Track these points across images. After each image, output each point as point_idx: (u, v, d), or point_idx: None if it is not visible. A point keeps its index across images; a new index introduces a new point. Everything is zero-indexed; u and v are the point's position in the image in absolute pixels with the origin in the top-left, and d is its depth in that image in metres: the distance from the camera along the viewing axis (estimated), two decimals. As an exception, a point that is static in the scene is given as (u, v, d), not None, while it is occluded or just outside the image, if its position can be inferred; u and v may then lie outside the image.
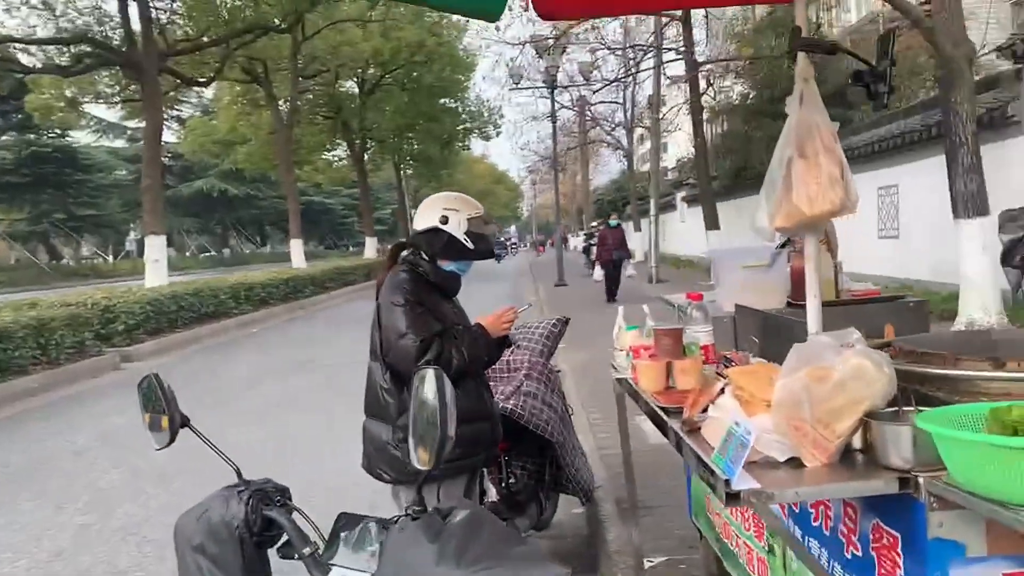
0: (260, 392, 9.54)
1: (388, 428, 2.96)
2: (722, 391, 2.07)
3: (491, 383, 3.59)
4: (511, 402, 4.05)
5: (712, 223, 19.80)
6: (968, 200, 9.15)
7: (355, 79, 33.58)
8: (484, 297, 3.21)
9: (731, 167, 22.76)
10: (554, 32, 23.87)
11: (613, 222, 18.66)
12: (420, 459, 1.34)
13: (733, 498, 1.59)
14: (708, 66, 23.06)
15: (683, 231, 31.03)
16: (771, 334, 2.74)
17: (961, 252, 9.27)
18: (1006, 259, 7.87)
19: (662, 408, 2.31)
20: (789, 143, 2.22)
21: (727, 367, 2.12)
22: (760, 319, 2.89)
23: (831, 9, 22.31)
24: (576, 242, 58.34)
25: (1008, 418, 1.46)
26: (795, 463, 1.74)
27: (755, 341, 2.62)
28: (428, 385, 1.28)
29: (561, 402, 4.40)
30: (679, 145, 37.43)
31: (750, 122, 22.64)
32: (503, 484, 4.23)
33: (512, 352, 4.28)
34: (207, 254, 59.91)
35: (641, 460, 4.53)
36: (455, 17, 33.50)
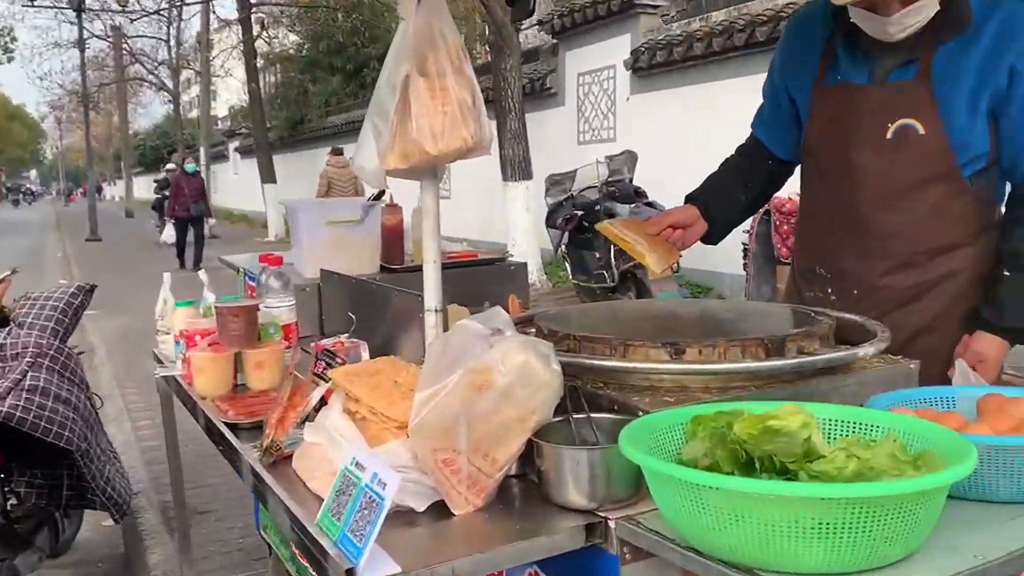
0: None
1: None
2: (323, 401, 1.45)
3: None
4: (8, 403, 2.94)
5: (268, 176, 18.88)
6: (515, 164, 9.70)
7: None
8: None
9: (288, 118, 21.88)
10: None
11: (190, 167, 15.37)
12: None
13: (361, 594, 0.99)
14: (262, 9, 21.73)
15: (237, 184, 29.31)
16: (369, 308, 2.17)
17: (508, 213, 9.81)
18: (549, 220, 8.40)
19: (229, 426, 1.61)
20: (404, 57, 1.64)
21: (329, 365, 1.50)
22: (353, 288, 2.31)
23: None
24: (114, 191, 52.20)
25: (733, 436, 1.07)
26: (438, 509, 1.20)
27: (352, 318, 2.04)
28: None
29: (83, 395, 3.37)
30: (232, 91, 35.18)
31: (306, 73, 22.01)
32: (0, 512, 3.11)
33: (8, 334, 3.13)
34: None
35: (192, 450, 3.73)
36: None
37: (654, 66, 9.20)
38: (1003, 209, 1.84)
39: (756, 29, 7.73)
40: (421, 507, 1.18)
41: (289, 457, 1.43)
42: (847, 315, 1.68)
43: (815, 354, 1.36)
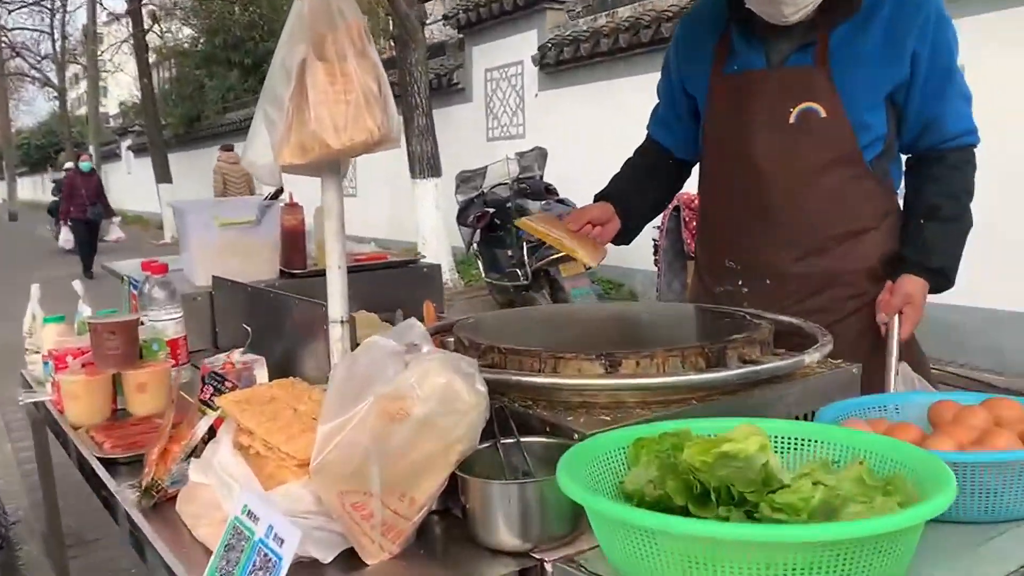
0: None
1: None
2: (211, 432, 1.26)
3: None
4: None
5: (163, 175, 18.08)
6: (423, 161, 9.48)
7: None
8: None
9: (183, 115, 20.99)
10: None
11: (86, 165, 14.06)
12: None
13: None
14: (153, 1, 20.79)
15: (131, 184, 27.97)
16: (267, 319, 1.98)
17: (417, 211, 9.59)
18: (460, 218, 8.24)
19: (105, 461, 1.40)
20: (300, 38, 1.46)
21: (218, 391, 1.31)
22: (248, 297, 2.10)
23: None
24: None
25: (684, 464, 0.94)
26: (347, 558, 1.03)
27: (247, 330, 1.84)
28: None
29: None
30: (123, 87, 33.57)
31: (202, 68, 21.18)
32: None
33: None
34: None
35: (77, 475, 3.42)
36: None
37: (562, 62, 9.14)
38: (900, 200, 1.87)
39: (662, 25, 7.75)
40: (327, 558, 1.01)
41: (174, 498, 1.24)
42: (781, 317, 1.60)
43: (760, 363, 1.25)
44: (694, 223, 6.11)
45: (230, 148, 13.56)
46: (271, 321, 1.95)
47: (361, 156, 1.56)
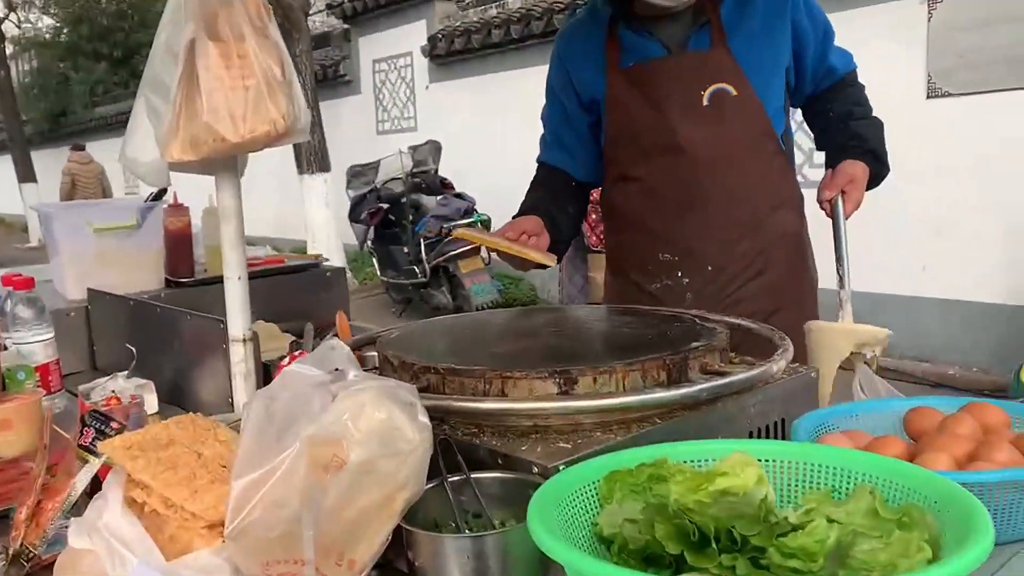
0: None
1: None
2: (96, 483, 1.06)
3: None
4: None
5: (27, 174, 16.85)
6: (311, 156, 9.11)
7: None
8: None
9: (47, 110, 19.65)
10: None
11: None
12: None
13: None
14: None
15: (-11, 183, 26.06)
16: (153, 337, 1.75)
17: (306, 207, 9.22)
18: (353, 214, 7.97)
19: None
20: (188, 14, 1.25)
21: (102, 434, 1.10)
22: (131, 311, 1.86)
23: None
24: None
25: (675, 504, 0.81)
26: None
27: (131, 351, 1.61)
28: None
29: None
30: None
31: (66, 60, 19.88)
32: None
33: None
34: None
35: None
36: None
37: (452, 53, 8.97)
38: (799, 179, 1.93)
39: (553, 16, 7.68)
40: (250, 639, 0.84)
41: (50, 565, 1.02)
42: (727, 318, 1.50)
43: (727, 374, 1.14)
44: (593, 216, 6.06)
45: (81, 148, 13.25)
46: (159, 339, 1.73)
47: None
